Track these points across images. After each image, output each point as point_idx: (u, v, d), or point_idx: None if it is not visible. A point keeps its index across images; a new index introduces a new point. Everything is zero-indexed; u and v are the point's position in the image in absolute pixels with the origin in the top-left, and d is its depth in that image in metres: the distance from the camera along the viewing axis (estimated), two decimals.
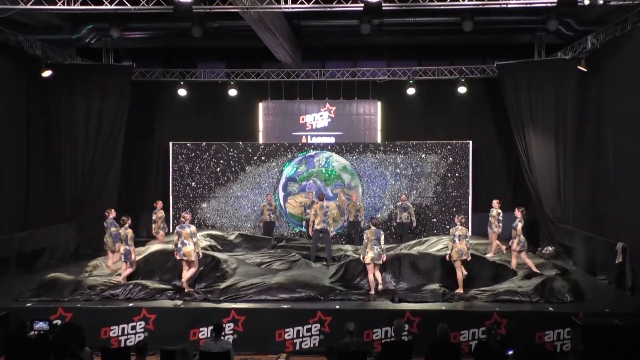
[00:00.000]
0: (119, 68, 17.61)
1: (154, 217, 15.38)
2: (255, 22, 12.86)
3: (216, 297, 11.03)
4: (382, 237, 11.54)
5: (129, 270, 11.86)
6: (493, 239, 14.59)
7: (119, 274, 12.04)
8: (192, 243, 11.24)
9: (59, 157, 16.43)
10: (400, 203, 16.70)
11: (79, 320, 9.74)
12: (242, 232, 16.56)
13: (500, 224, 14.55)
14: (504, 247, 14.09)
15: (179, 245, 11.26)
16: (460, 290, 11.30)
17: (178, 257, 11.40)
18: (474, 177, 17.97)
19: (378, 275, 11.55)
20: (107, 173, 16.79)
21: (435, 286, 11.49)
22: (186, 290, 11.32)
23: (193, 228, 11.33)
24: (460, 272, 11.43)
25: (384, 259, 11.57)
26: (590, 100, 14.52)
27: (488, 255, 13.75)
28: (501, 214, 14.66)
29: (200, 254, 11.64)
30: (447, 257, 11.62)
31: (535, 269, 12.29)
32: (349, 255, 14.05)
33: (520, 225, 12.41)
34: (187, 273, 11.44)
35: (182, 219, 11.54)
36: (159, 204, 15.57)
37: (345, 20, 15.27)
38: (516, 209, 12.84)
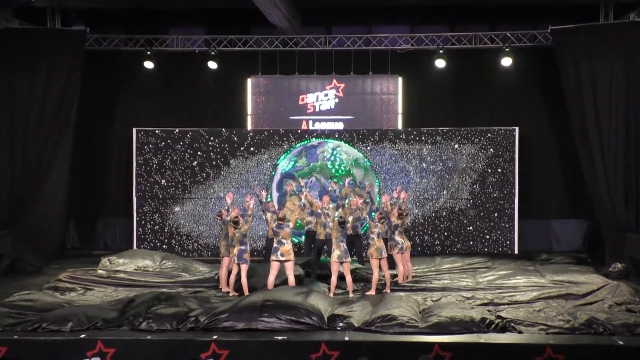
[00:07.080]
0: (68, 34, 17.57)
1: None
2: None
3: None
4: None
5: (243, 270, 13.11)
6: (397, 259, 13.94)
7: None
8: (290, 242, 12.86)
9: None
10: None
11: (15, 356, 9.69)
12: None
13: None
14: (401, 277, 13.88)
15: (275, 245, 12.82)
16: (372, 292, 12.97)
17: (274, 259, 12.84)
18: (520, 174, 17.92)
19: (348, 277, 12.99)
20: (53, 168, 16.78)
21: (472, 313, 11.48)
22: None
23: (291, 226, 13.05)
24: (377, 273, 13.09)
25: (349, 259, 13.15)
26: None
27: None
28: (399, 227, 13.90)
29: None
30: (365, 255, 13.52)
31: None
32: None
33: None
34: (290, 277, 12.89)
35: (279, 222, 13.02)
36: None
37: None
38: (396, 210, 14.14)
